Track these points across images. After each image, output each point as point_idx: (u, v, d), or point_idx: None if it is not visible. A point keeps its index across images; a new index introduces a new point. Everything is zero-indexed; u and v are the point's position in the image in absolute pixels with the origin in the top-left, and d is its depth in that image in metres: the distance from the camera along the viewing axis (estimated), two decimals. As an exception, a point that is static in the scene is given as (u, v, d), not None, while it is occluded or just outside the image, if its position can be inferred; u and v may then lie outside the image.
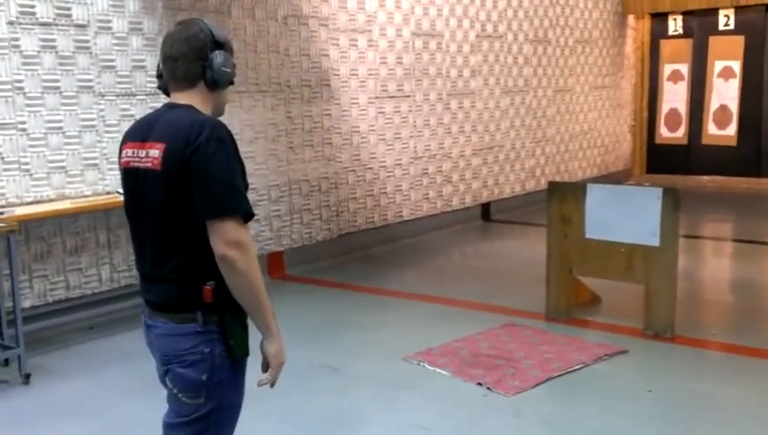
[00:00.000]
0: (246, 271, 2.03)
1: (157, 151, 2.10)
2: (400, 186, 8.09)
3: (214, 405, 2.14)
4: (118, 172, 5.60)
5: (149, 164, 2.11)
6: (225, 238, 2.01)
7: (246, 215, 2.07)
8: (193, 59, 2.19)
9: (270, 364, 2.16)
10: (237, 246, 2.02)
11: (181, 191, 2.05)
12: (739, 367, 4.47)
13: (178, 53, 2.19)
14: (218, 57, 2.20)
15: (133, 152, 2.19)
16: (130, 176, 2.19)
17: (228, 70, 2.24)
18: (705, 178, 11.62)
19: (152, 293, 2.20)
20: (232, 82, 2.30)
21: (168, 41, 2.23)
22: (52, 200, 5.18)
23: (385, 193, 7.90)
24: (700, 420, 3.76)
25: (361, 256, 7.42)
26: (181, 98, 2.21)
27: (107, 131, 5.50)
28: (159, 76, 2.28)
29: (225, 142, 2.08)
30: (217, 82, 2.23)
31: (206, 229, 2.05)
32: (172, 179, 2.06)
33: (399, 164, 8.06)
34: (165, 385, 2.22)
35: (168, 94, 2.26)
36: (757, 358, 4.57)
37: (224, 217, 2.02)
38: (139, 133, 2.20)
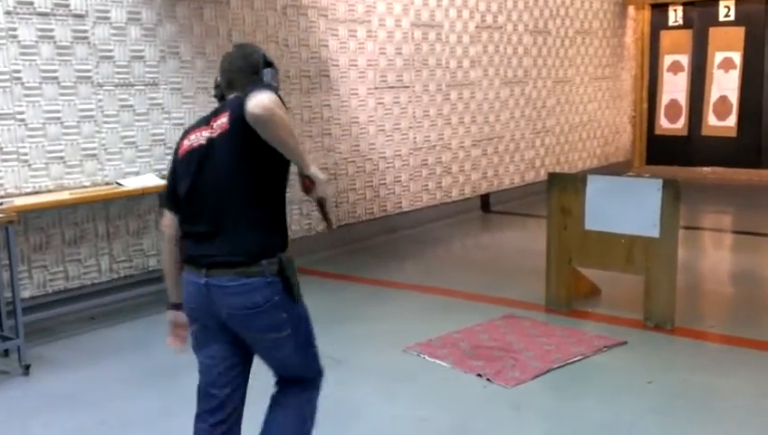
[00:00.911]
0: (283, 120, 2.37)
1: (224, 119, 2.50)
2: (400, 177, 8.08)
3: (295, 324, 2.58)
4: (116, 163, 5.57)
5: (219, 131, 2.50)
6: (259, 102, 2.32)
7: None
8: (248, 73, 2.66)
9: (316, 182, 2.52)
10: (272, 104, 2.34)
11: (246, 139, 2.40)
12: (738, 359, 4.47)
13: (236, 68, 2.69)
14: (268, 74, 2.69)
15: (196, 136, 2.58)
16: (193, 155, 2.55)
17: (275, 84, 2.68)
18: (706, 169, 11.61)
19: (214, 249, 2.47)
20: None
21: (227, 57, 2.74)
22: (50, 191, 5.17)
23: (384, 184, 7.89)
24: (699, 412, 3.76)
25: (361, 247, 7.42)
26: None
27: (105, 122, 5.48)
28: (217, 87, 2.73)
29: (267, 86, 2.53)
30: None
31: (267, 187, 2.49)
32: (238, 130, 2.41)
33: (399, 155, 8.04)
34: (216, 332, 2.56)
35: (222, 100, 2.70)
36: (756, 350, 4.58)
37: (259, 91, 2.37)
38: (202, 122, 2.63)
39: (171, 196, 2.65)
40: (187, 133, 2.66)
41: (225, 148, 2.47)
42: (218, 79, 2.73)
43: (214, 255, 2.47)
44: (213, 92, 2.78)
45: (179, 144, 2.65)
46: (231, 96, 2.63)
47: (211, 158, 2.50)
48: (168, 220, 2.65)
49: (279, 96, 2.42)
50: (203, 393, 2.65)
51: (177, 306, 2.70)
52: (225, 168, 2.48)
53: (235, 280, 2.44)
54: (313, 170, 2.52)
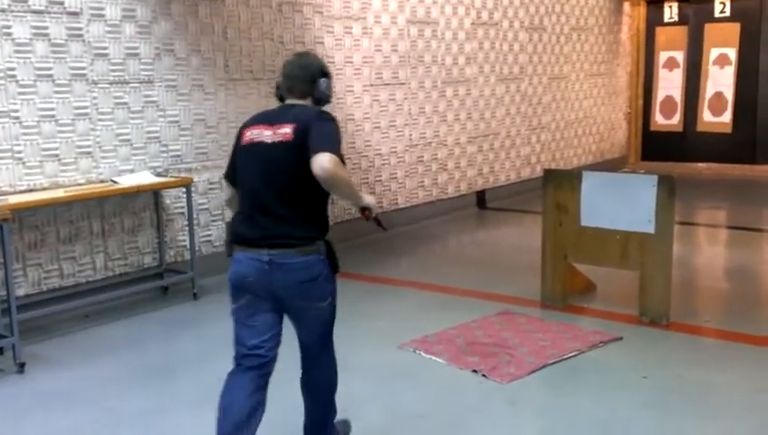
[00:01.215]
0: (343, 179, 2.86)
1: (288, 129, 2.92)
2: (395, 174, 8.08)
3: (334, 295, 3.12)
4: (111, 160, 5.56)
5: (281, 138, 2.92)
6: (322, 166, 2.77)
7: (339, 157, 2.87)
8: (306, 81, 3.08)
9: (372, 208, 3.14)
10: (334, 167, 2.78)
11: (303, 153, 2.84)
12: (734, 354, 4.48)
13: (295, 75, 3.09)
14: (323, 83, 3.10)
15: (259, 132, 2.99)
16: (256, 150, 2.98)
17: (329, 93, 3.14)
18: (701, 165, 11.63)
19: (275, 233, 2.92)
20: (329, 102, 3.17)
21: (288, 65, 3.15)
22: (45, 189, 5.16)
23: (380, 181, 7.89)
24: (695, 407, 3.77)
25: (357, 243, 7.41)
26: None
27: (100, 119, 5.47)
28: (278, 88, 3.15)
29: (330, 120, 2.98)
30: (320, 100, 3.13)
31: (317, 187, 2.85)
32: (299, 145, 2.86)
33: (395, 152, 8.04)
34: (266, 304, 3.00)
35: (282, 101, 3.13)
36: (752, 345, 4.59)
37: (323, 150, 2.79)
38: (266, 120, 3.03)
39: (231, 173, 3.16)
40: (248, 125, 3.07)
41: (287, 154, 2.91)
42: (279, 82, 3.15)
43: (276, 236, 2.90)
44: (274, 92, 3.20)
45: (241, 132, 3.08)
46: (291, 101, 3.09)
47: (274, 160, 2.93)
48: (231, 192, 3.20)
49: (336, 125, 2.96)
50: (250, 354, 3.04)
51: None
52: (286, 171, 2.91)
53: (297, 257, 2.91)
54: (367, 201, 3.13)
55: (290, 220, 2.94)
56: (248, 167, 3.02)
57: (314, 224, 3.00)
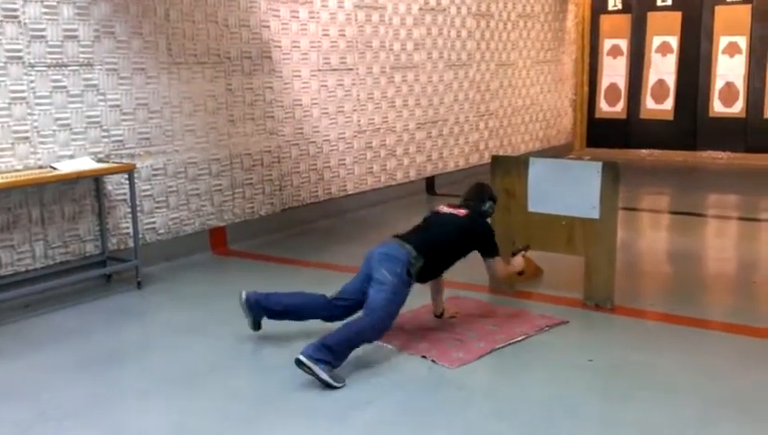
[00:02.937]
0: (505, 278, 5.02)
1: (464, 212, 4.63)
2: (344, 160, 8.04)
3: (397, 284, 4.19)
4: (50, 146, 5.39)
5: (459, 214, 4.61)
6: (497, 274, 4.89)
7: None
8: (478, 201, 4.77)
9: (519, 267, 4.90)
10: (502, 276, 4.93)
11: (464, 239, 4.55)
12: (677, 336, 4.58)
13: (472, 196, 4.81)
14: (488, 205, 4.80)
15: (446, 208, 4.74)
16: (439, 213, 4.70)
17: (491, 212, 4.83)
18: (644, 151, 11.86)
19: (408, 239, 4.39)
20: (491, 215, 4.87)
21: (472, 189, 4.89)
22: (-20, 175, 4.98)
23: (329, 167, 7.84)
24: (639, 390, 3.84)
25: (305, 230, 7.36)
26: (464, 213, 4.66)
27: (38, 104, 5.29)
28: (461, 198, 4.85)
29: (489, 228, 4.70)
30: (485, 215, 4.79)
31: (455, 249, 4.57)
32: (465, 230, 4.56)
33: (343, 138, 7.99)
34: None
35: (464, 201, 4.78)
36: (695, 327, 4.69)
37: (493, 250, 4.70)
38: (452, 205, 4.75)
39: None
40: (440, 205, 4.79)
41: (454, 225, 4.54)
42: (464, 194, 4.85)
43: (407, 239, 4.38)
44: (459, 200, 4.80)
45: (437, 207, 4.79)
46: (470, 202, 4.74)
47: (445, 222, 4.57)
48: None
49: (490, 223, 4.78)
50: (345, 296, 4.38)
51: None
52: (446, 232, 4.49)
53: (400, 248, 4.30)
54: (516, 266, 4.83)
55: (422, 242, 4.44)
56: (429, 217, 4.79)
57: (431, 259, 4.42)
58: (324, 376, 3.79)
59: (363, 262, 4.38)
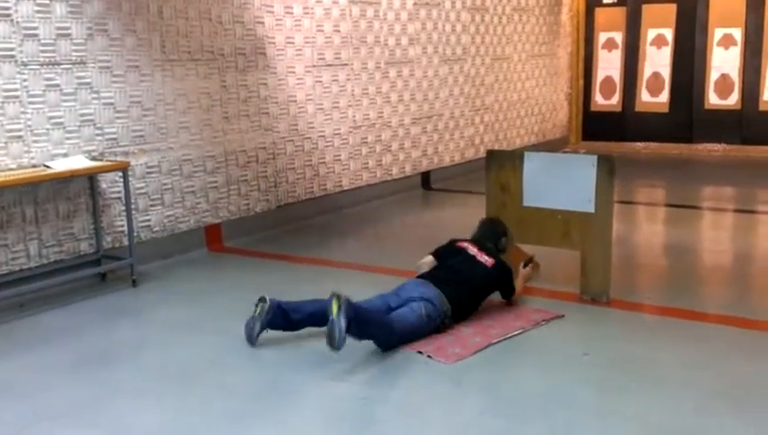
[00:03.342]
0: (519, 293, 5.03)
1: (489, 259, 4.77)
2: (339, 155, 8.02)
3: (432, 302, 4.42)
4: (43, 144, 5.38)
5: (482, 260, 4.76)
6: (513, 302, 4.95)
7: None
8: (492, 239, 4.97)
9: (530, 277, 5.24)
10: (518, 293, 5.02)
11: (489, 282, 4.77)
12: (673, 330, 4.58)
13: (487, 234, 5.01)
14: (503, 241, 5.00)
15: (467, 245, 4.88)
16: (463, 253, 4.82)
17: (506, 247, 5.01)
18: (639, 144, 11.87)
19: (432, 276, 4.63)
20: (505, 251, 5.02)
21: (483, 225, 5.12)
22: (-26, 175, 4.96)
23: (324, 163, 7.82)
24: (635, 383, 3.84)
25: (301, 226, 7.35)
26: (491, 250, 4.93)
27: (31, 102, 5.27)
28: (476, 236, 5.04)
29: (511, 274, 4.87)
30: (501, 251, 4.96)
31: (479, 290, 4.76)
32: (491, 277, 4.76)
33: (338, 133, 7.98)
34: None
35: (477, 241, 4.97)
36: (691, 320, 4.70)
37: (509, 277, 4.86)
38: (471, 240, 4.96)
39: (437, 253, 4.90)
40: (459, 240, 4.94)
41: (485, 278, 4.70)
42: (476, 232, 5.05)
43: (433, 277, 4.61)
44: (472, 236, 5.02)
45: (455, 240, 4.96)
46: (488, 244, 4.89)
47: (471, 266, 4.70)
48: (430, 260, 4.89)
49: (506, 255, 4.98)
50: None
51: None
52: (478, 286, 4.68)
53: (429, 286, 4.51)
54: (525, 279, 5.12)
55: (448, 278, 4.65)
56: (450, 257, 4.85)
57: (458, 293, 4.57)
58: (343, 324, 3.86)
59: (395, 288, 4.56)
